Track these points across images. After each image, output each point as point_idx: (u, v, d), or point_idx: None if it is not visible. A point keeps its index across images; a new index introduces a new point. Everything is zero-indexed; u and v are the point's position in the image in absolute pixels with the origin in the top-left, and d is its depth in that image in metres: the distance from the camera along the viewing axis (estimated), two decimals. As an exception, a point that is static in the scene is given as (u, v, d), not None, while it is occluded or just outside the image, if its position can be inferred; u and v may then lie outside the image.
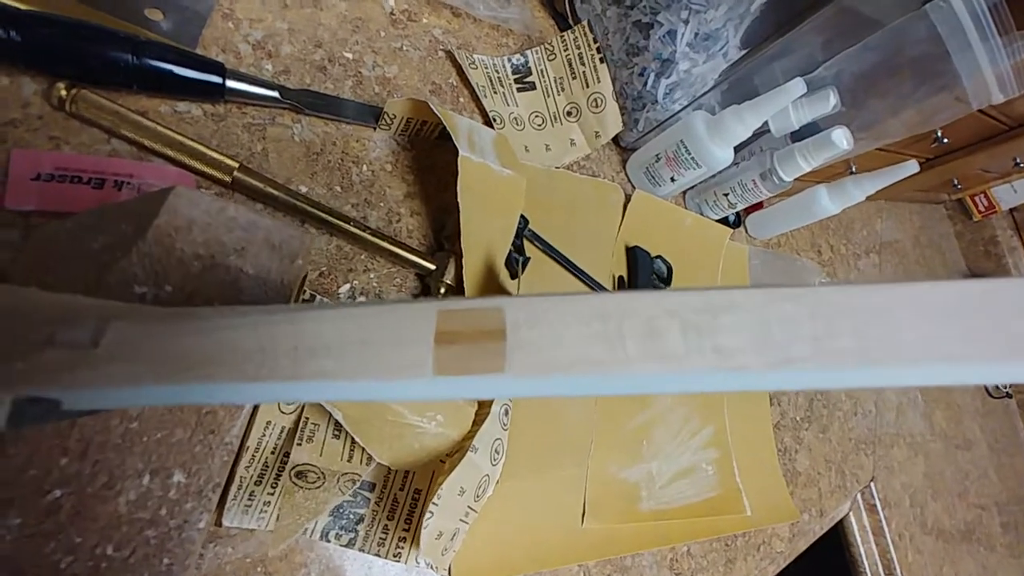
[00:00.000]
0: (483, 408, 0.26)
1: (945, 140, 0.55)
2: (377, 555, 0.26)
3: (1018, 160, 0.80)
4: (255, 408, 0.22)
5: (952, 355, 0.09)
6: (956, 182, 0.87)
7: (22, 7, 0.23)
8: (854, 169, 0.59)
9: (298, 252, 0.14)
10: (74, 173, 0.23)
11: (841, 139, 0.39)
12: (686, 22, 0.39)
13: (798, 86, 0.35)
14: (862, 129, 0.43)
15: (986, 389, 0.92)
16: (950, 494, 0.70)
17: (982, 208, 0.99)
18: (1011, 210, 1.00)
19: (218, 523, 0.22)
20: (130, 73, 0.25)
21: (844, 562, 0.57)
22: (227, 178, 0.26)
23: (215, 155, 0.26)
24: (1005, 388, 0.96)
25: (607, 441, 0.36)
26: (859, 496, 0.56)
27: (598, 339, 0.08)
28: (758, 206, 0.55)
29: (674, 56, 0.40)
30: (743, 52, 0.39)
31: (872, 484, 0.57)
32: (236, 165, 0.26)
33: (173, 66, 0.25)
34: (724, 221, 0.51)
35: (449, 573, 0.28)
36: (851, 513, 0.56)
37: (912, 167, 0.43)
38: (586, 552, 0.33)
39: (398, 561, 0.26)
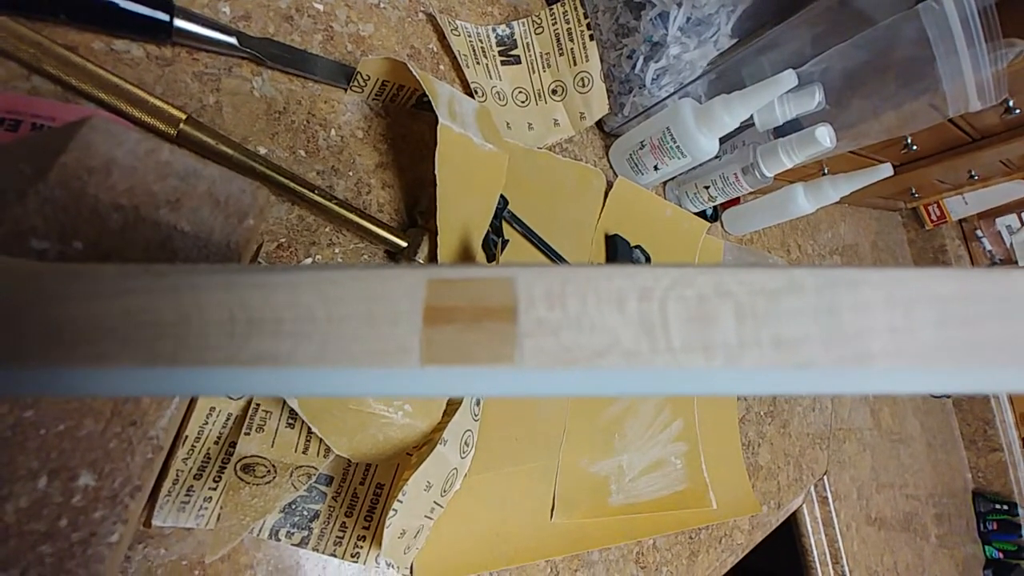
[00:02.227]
0: (454, 399, 0.25)
1: (914, 147, 0.57)
2: (333, 555, 0.24)
3: (973, 173, 0.84)
4: (175, 430, 0.19)
5: None
6: (914, 191, 0.91)
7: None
8: (826, 171, 0.60)
9: (248, 210, 0.12)
10: (-20, 110, 0.19)
11: (825, 137, 0.39)
12: (679, 4, 0.38)
13: (790, 78, 0.34)
14: (843, 129, 0.43)
15: (927, 389, 0.98)
16: (892, 487, 0.74)
17: (934, 217, 1.04)
18: (960, 221, 1.06)
19: (147, 523, 0.19)
20: (58, 2, 0.21)
21: (795, 551, 0.59)
22: (172, 131, 0.23)
23: (158, 103, 0.23)
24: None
25: (579, 434, 0.35)
26: (812, 489, 0.58)
27: (635, 323, 0.06)
28: (735, 201, 0.55)
29: (665, 40, 0.39)
30: (734, 41, 0.38)
31: (825, 477, 0.59)
32: (183, 116, 0.23)
33: (110, -5, 0.22)
34: (702, 214, 0.51)
35: (411, 572, 0.26)
36: (804, 505, 0.57)
37: (886, 170, 0.44)
38: (554, 547, 0.32)
39: (356, 561, 0.24)
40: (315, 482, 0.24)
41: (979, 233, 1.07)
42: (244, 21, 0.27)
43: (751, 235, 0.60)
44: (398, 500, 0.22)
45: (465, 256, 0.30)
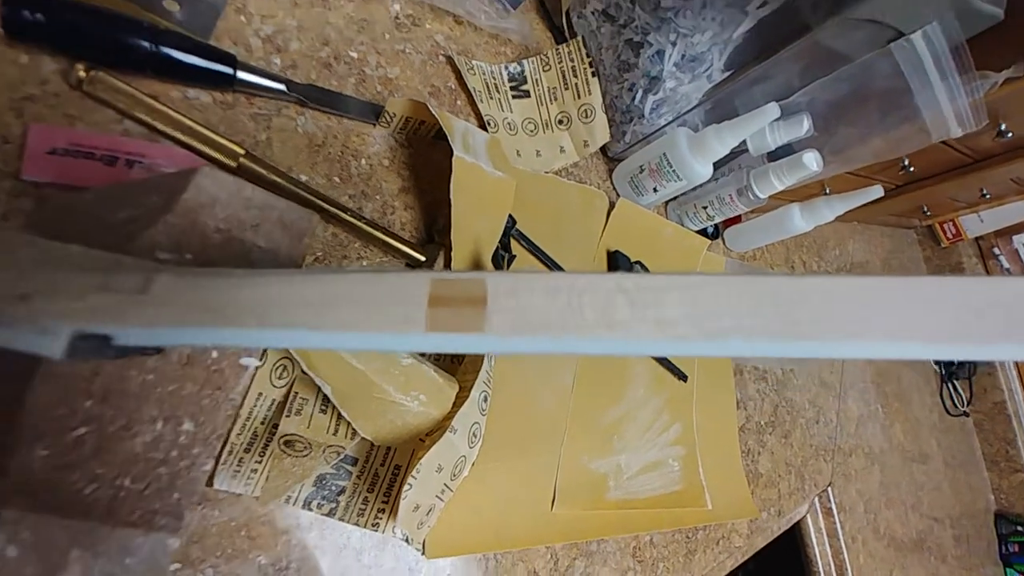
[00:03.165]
0: (463, 391, 0.28)
1: (911, 168, 0.59)
2: (356, 525, 0.27)
3: (985, 192, 0.85)
4: (244, 393, 0.24)
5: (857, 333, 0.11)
6: (926, 209, 0.92)
7: (49, -10, 0.24)
8: (828, 191, 0.62)
9: (305, 232, 0.16)
10: (88, 150, 0.24)
11: (811, 161, 0.42)
12: (674, 44, 0.42)
13: (773, 110, 0.37)
14: (833, 153, 0.46)
15: (944, 407, 0.97)
16: (903, 504, 0.74)
17: (950, 235, 1.04)
18: (976, 239, 1.05)
19: (209, 483, 0.23)
20: (146, 59, 0.26)
21: (800, 561, 0.60)
22: (233, 163, 0.28)
23: (222, 140, 0.28)
24: (962, 407, 1.01)
25: (580, 433, 0.38)
26: (816, 500, 0.59)
27: (563, 308, 0.09)
28: (736, 220, 0.58)
29: (661, 75, 0.43)
30: (726, 74, 0.42)
31: (829, 489, 0.60)
32: (242, 151, 0.28)
33: (188, 55, 0.27)
34: (703, 232, 0.54)
35: (423, 547, 0.30)
36: (808, 515, 0.58)
37: (876, 191, 0.46)
38: (554, 535, 0.35)
39: (376, 531, 0.27)
40: (342, 461, 0.28)
41: (996, 251, 1.06)
42: (291, 69, 0.32)
43: (754, 252, 0.62)
44: (412, 476, 0.25)
45: (476, 268, 0.34)
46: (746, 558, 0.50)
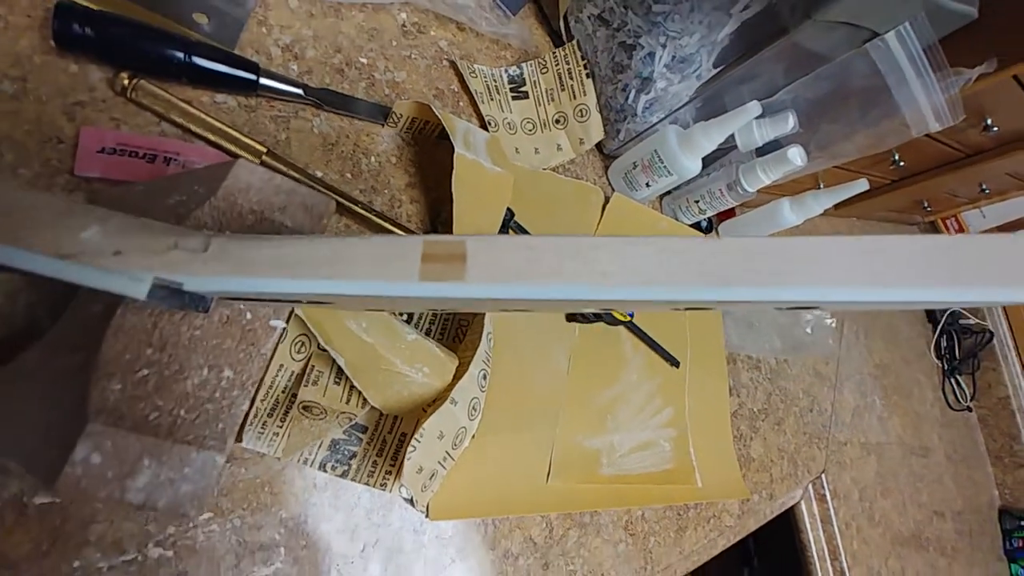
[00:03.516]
0: (462, 366, 0.31)
1: (902, 163, 0.60)
2: (367, 485, 0.30)
3: (984, 187, 0.86)
4: (273, 349, 0.27)
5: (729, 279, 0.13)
6: (926, 205, 0.93)
7: (94, 7, 0.28)
8: (822, 185, 0.64)
9: (324, 214, 0.19)
10: (132, 148, 0.28)
11: (796, 156, 0.44)
12: (664, 46, 0.44)
13: (755, 108, 0.39)
14: (818, 148, 0.48)
15: (946, 402, 0.97)
16: (901, 495, 0.75)
17: (953, 231, 1.05)
18: (980, 233, 1.06)
19: (239, 439, 0.26)
20: (180, 68, 0.29)
21: (796, 548, 0.62)
22: (256, 160, 0.31)
23: (247, 140, 0.31)
24: (965, 402, 1.01)
25: (574, 412, 0.41)
26: (810, 486, 0.61)
27: (524, 261, 0.12)
28: (730, 214, 0.60)
29: (653, 75, 0.45)
30: (714, 73, 0.44)
31: (823, 476, 0.62)
32: (264, 150, 0.31)
33: (216, 64, 0.30)
34: (697, 226, 0.56)
35: (427, 510, 0.32)
36: (802, 501, 0.60)
37: (862, 185, 0.48)
38: (549, 505, 0.37)
39: (384, 490, 0.30)
40: (354, 428, 0.31)
41: (999, 246, 1.06)
42: (307, 75, 0.35)
43: (749, 246, 0.64)
44: (416, 439, 0.28)
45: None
46: (738, 538, 0.52)
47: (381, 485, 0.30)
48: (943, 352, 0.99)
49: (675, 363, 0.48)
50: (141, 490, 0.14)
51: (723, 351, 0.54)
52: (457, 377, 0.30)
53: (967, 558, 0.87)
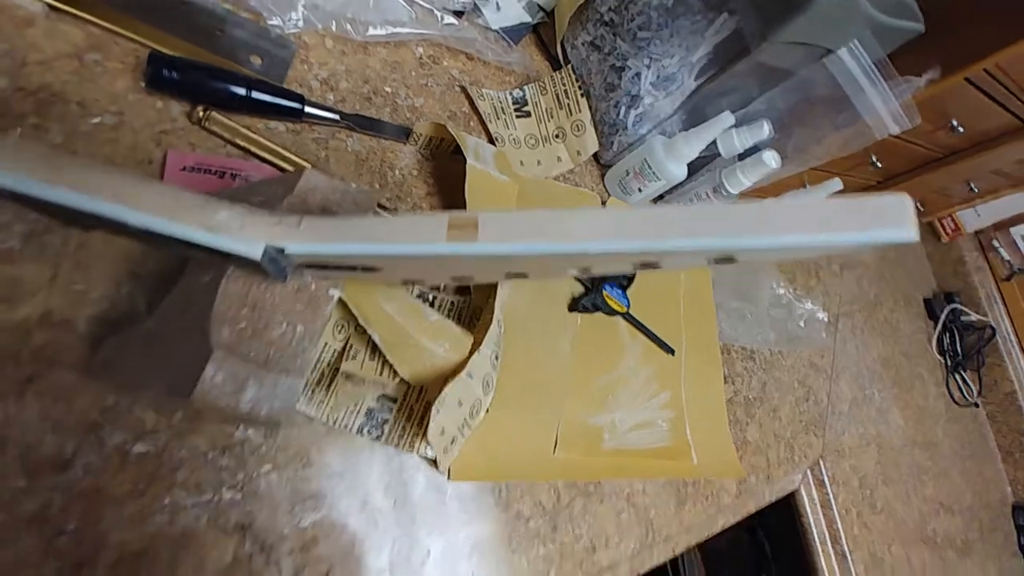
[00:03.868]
0: (476, 344, 0.36)
1: (879, 164, 0.65)
2: (397, 446, 0.35)
3: (973, 186, 0.89)
4: (331, 313, 0.32)
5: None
6: (920, 205, 0.97)
7: (176, 55, 0.34)
8: (807, 186, 0.69)
9: (370, 207, 0.24)
10: (206, 167, 0.34)
11: (770, 159, 0.49)
12: (648, 67, 0.50)
13: (728, 118, 0.45)
14: (794, 152, 0.53)
15: (951, 398, 0.99)
16: (904, 485, 0.77)
17: (949, 231, 1.08)
18: (976, 232, 1.09)
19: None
20: (242, 101, 0.36)
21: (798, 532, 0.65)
22: (302, 175, 0.37)
23: (295, 157, 0.37)
24: (972, 398, 1.02)
25: (578, 393, 0.46)
26: (809, 473, 0.64)
27: (520, 226, 0.17)
28: (721, 217, 0.65)
29: (640, 93, 0.51)
30: (694, 89, 0.50)
31: (821, 462, 0.65)
32: (309, 165, 0.37)
33: (270, 96, 0.37)
34: (689, 228, 0.61)
35: (449, 472, 0.37)
36: (802, 487, 0.63)
37: (836, 184, 0.53)
38: (556, 474, 0.42)
39: (411, 451, 0.35)
40: (385, 398, 0.36)
41: (996, 243, 1.08)
42: (342, 103, 0.42)
43: (741, 246, 0.69)
44: (438, 404, 0.33)
45: (488, 256, 0.43)
46: (739, 519, 0.55)
47: (409, 446, 0.35)
48: (945, 348, 1.01)
49: (670, 351, 0.53)
50: (248, 402, 0.19)
51: (717, 341, 0.58)
52: (471, 353, 0.35)
53: (980, 553, 0.88)
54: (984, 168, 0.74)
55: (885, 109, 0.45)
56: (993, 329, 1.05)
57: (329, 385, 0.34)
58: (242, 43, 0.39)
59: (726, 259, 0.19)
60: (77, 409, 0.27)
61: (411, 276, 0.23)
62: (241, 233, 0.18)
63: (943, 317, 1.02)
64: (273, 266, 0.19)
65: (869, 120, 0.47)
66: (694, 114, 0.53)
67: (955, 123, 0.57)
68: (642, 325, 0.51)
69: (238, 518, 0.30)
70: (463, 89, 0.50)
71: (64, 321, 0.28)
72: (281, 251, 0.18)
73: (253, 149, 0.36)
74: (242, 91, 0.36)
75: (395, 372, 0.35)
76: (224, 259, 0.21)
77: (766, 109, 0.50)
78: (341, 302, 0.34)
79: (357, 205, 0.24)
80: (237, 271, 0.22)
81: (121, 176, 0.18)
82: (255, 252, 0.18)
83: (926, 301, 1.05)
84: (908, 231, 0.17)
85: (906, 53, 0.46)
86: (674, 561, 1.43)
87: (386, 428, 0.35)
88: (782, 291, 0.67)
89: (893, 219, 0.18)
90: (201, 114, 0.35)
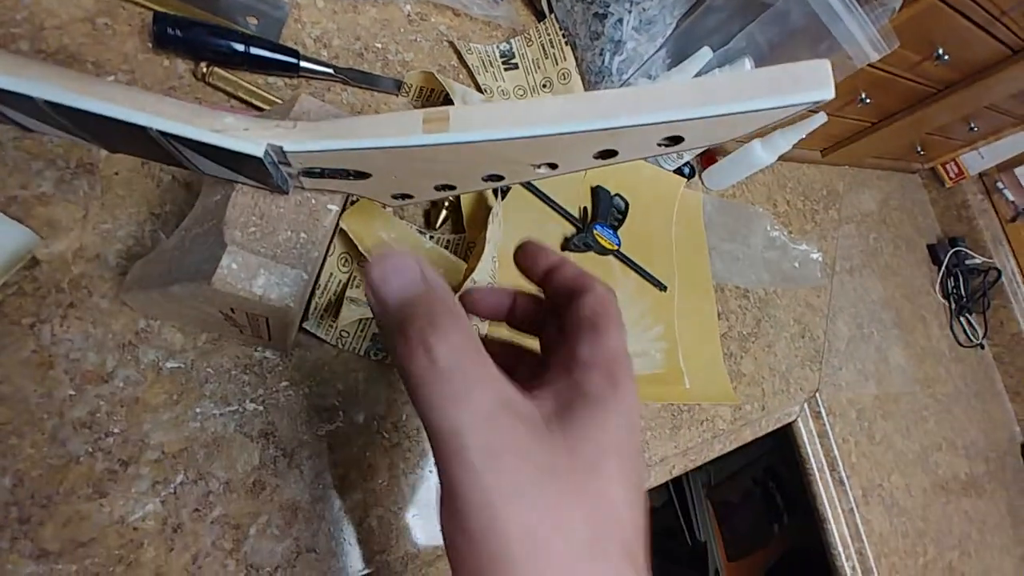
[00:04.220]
0: (468, 270, 0.39)
1: (868, 100, 0.65)
2: (402, 366, 0.38)
3: (973, 125, 0.89)
4: (325, 258, 0.35)
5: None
6: (920, 149, 0.96)
7: (179, 14, 0.37)
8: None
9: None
10: (212, 117, 0.37)
11: (747, 65, 0.50)
12: (630, 11, 0.51)
13: (706, 52, 0.46)
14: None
15: (956, 339, 1.00)
16: (904, 419, 0.79)
17: (952, 175, 1.07)
18: (980, 175, 1.08)
19: (301, 328, 0.35)
20: (242, 57, 0.38)
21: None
22: (301, 123, 0.40)
23: (294, 109, 0.40)
24: (976, 340, 1.03)
25: (572, 325, 0.48)
26: (806, 406, 0.66)
27: (484, 118, 0.20)
28: (712, 161, 0.66)
29: (623, 38, 0.53)
30: (673, 28, 0.51)
31: (817, 395, 0.67)
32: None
33: (268, 52, 0.39)
34: (679, 171, 0.63)
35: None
36: (799, 420, 0.66)
37: (820, 119, 0.54)
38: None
39: (416, 370, 0.39)
40: (390, 325, 0.39)
41: (1000, 185, 1.07)
42: (335, 59, 0.44)
43: (734, 191, 0.70)
44: (438, 323, 0.36)
45: (479, 199, 0.45)
46: (736, 446, 0.58)
47: (413, 364, 0.38)
48: (949, 292, 1.02)
49: (662, 287, 0.55)
50: (260, 287, 0.23)
51: (710, 278, 0.60)
52: (465, 279, 0.38)
53: (987, 489, 0.90)
54: (979, 102, 0.73)
55: (863, 35, 0.46)
56: (999, 271, 1.05)
57: (336, 313, 0.37)
58: (238, 5, 0.41)
59: (675, 139, 0.22)
60: (114, 331, 0.31)
61: (399, 186, 0.25)
62: (245, 135, 0.20)
63: (946, 260, 1.02)
64: (275, 171, 0.22)
65: (849, 48, 0.48)
66: (677, 56, 0.54)
67: (940, 51, 0.57)
68: (633, 262, 0.54)
69: (262, 426, 0.33)
70: (451, 44, 0.52)
71: (96, 256, 0.32)
72: (280, 149, 0.21)
73: (254, 102, 0.39)
74: (241, 47, 0.38)
75: None
76: (233, 173, 0.24)
77: (747, 45, 0.51)
78: (344, 234, 0.37)
79: (348, 125, 0.27)
80: (245, 187, 0.25)
81: (141, 92, 0.20)
82: (258, 150, 0.20)
83: (929, 247, 1.05)
84: (828, 91, 0.19)
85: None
86: (687, 514, 1.47)
87: (391, 351, 0.38)
88: (776, 233, 0.68)
89: (815, 81, 0.20)
90: (205, 70, 0.37)
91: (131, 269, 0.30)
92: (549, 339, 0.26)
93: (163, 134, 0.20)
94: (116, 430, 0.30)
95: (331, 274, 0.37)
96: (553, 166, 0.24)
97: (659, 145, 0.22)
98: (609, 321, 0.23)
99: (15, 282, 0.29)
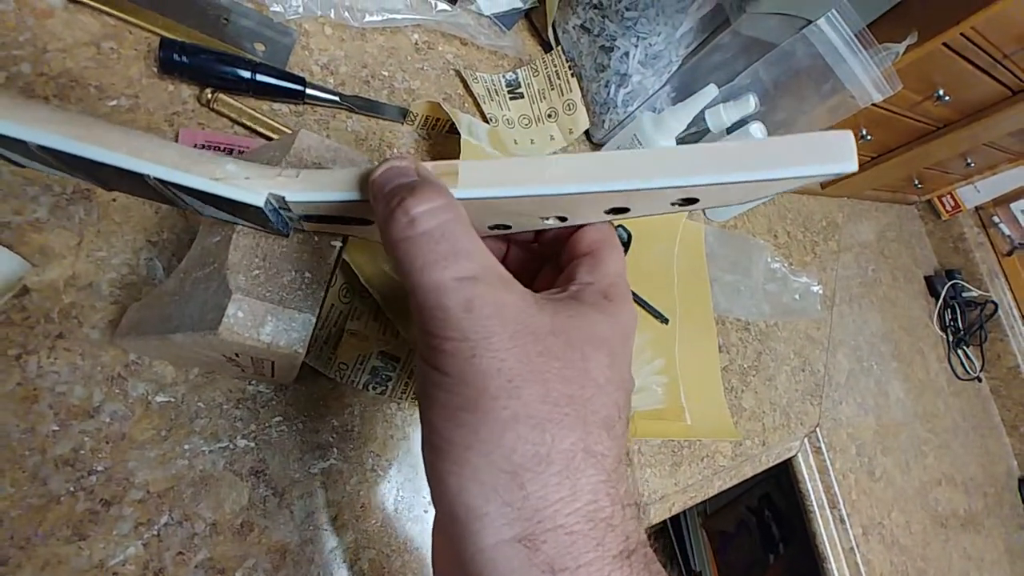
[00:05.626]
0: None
1: (870, 137, 0.66)
2: (400, 399, 0.37)
3: (969, 161, 0.90)
4: (335, 261, 0.34)
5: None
6: (917, 183, 0.97)
7: (186, 41, 0.37)
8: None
9: (361, 165, 0.27)
10: (215, 144, 0.36)
11: (756, 131, 0.51)
12: (636, 46, 0.52)
13: (712, 90, 0.46)
14: (779, 125, 0.54)
15: (954, 372, 0.99)
16: (904, 455, 0.78)
17: (949, 208, 1.08)
18: (976, 208, 1.09)
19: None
20: (248, 84, 0.38)
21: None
22: (305, 151, 0.39)
23: (298, 136, 0.39)
24: (974, 373, 1.03)
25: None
26: (806, 441, 0.66)
27: (493, 174, 0.19)
28: (713, 193, 0.66)
29: (628, 71, 0.53)
30: (679, 64, 0.52)
31: (818, 430, 0.66)
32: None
33: (274, 79, 0.39)
34: (681, 203, 0.63)
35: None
36: (799, 455, 0.65)
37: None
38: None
39: (415, 405, 0.38)
40: (389, 358, 0.38)
41: (996, 219, 1.08)
42: (341, 86, 0.44)
43: (735, 222, 0.70)
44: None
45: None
46: (736, 482, 0.57)
47: (412, 400, 0.37)
48: (947, 324, 1.02)
49: (664, 320, 0.55)
50: (268, 335, 0.22)
51: (711, 311, 0.60)
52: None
53: (985, 525, 0.89)
54: (977, 140, 0.74)
55: (867, 77, 0.47)
56: (995, 304, 1.05)
57: (336, 344, 0.36)
58: (246, 31, 0.41)
59: (689, 200, 0.21)
60: (103, 363, 0.30)
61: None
62: (246, 183, 0.20)
63: (944, 293, 1.02)
64: (275, 216, 0.21)
65: (852, 89, 0.48)
66: (682, 92, 0.55)
67: (941, 92, 0.58)
68: (635, 294, 0.53)
69: (252, 464, 0.32)
70: (458, 73, 0.52)
71: (89, 284, 0.31)
72: (282, 199, 0.20)
73: (258, 128, 0.38)
74: (247, 74, 0.38)
75: (396, 331, 0.37)
76: (232, 217, 0.23)
77: (751, 83, 0.52)
78: (346, 265, 0.36)
79: (351, 163, 0.26)
80: (245, 228, 0.24)
81: (139, 136, 0.20)
82: (259, 200, 0.20)
83: (927, 278, 1.05)
84: (851, 164, 0.19)
85: (884, 21, 0.48)
86: (682, 544, 1.44)
87: (390, 384, 0.37)
88: (776, 265, 0.68)
89: (839, 154, 0.20)
90: (210, 96, 0.37)
91: (126, 312, 0.29)
92: (545, 284, 0.25)
93: (161, 181, 0.20)
94: (100, 468, 0.29)
95: (332, 305, 0.36)
96: (562, 219, 0.24)
97: (673, 204, 0.22)
98: (609, 248, 0.23)
99: (3, 311, 0.28)
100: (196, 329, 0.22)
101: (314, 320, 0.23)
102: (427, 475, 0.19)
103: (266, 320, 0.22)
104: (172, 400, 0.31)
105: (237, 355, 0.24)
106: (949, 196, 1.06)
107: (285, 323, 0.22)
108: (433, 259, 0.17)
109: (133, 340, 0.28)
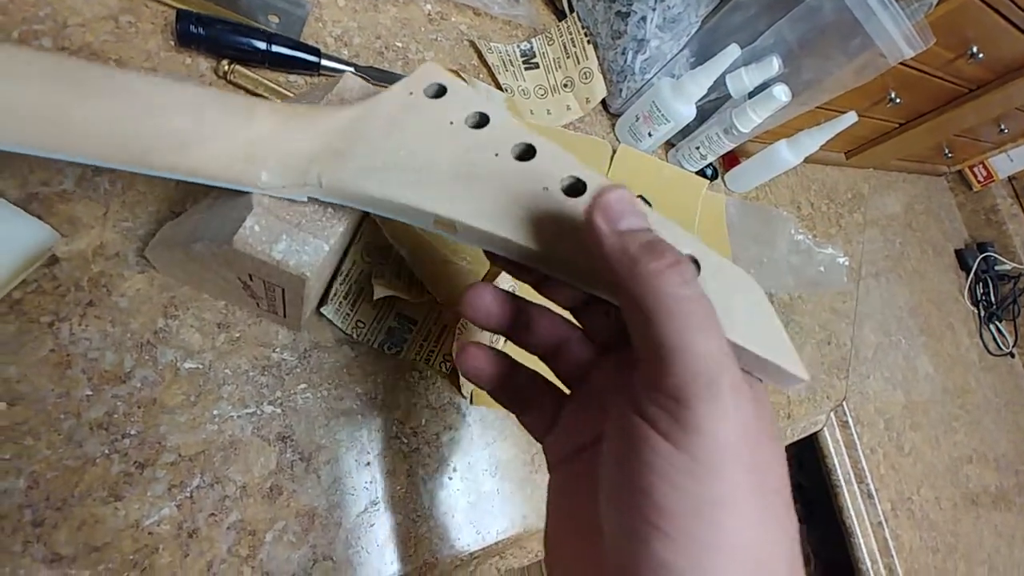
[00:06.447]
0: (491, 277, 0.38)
1: (898, 100, 0.63)
2: (415, 359, 0.37)
3: (1003, 127, 0.86)
4: (350, 245, 0.34)
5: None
6: (948, 151, 0.94)
7: (202, 12, 0.37)
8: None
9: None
10: (233, 115, 0.36)
11: (780, 93, 0.49)
12: (654, 9, 0.50)
13: (734, 50, 0.45)
14: (806, 86, 0.52)
15: (985, 348, 0.96)
16: (933, 430, 0.76)
17: (981, 178, 1.04)
18: (1010, 178, 1.04)
19: (319, 308, 0.34)
20: (264, 55, 0.38)
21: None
22: (322, 121, 0.39)
23: (314, 107, 0.39)
24: (1007, 348, 0.99)
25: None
26: (832, 415, 0.64)
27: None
28: (734, 162, 0.65)
29: (646, 36, 0.51)
30: (698, 25, 0.50)
31: (844, 403, 0.65)
32: (328, 113, 0.39)
33: (290, 50, 0.39)
34: (701, 172, 0.61)
35: (471, 397, 0.39)
36: (825, 428, 0.63)
37: (851, 118, 0.52)
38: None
39: (428, 364, 0.38)
40: (405, 320, 0.38)
41: (1031, 189, 1.04)
42: (356, 57, 0.44)
43: (757, 192, 0.68)
44: (463, 323, 0.35)
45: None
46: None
47: (426, 360, 0.37)
48: (979, 298, 0.98)
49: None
50: (280, 252, 0.22)
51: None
52: (492, 274, 0.37)
53: (1016, 503, 0.86)
54: (1011, 103, 0.71)
55: (897, 31, 0.45)
56: (1030, 277, 1.02)
57: (356, 301, 0.36)
58: (260, 3, 0.41)
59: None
60: (132, 330, 0.30)
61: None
62: (281, 192, 0.20)
63: (975, 266, 0.99)
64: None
65: (881, 44, 0.46)
66: (701, 56, 0.53)
67: (974, 49, 0.55)
68: (656, 266, 0.52)
69: (279, 429, 0.33)
70: (472, 43, 0.51)
71: (116, 254, 0.31)
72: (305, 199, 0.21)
73: (274, 99, 0.38)
74: (263, 45, 0.38)
75: (420, 287, 0.37)
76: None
77: (774, 43, 0.50)
78: (373, 224, 0.36)
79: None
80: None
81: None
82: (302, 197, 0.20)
83: (957, 251, 1.02)
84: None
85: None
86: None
87: (405, 346, 0.37)
88: (800, 237, 0.66)
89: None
90: (227, 68, 0.37)
91: (160, 230, 0.30)
92: (578, 360, 0.25)
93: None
94: (133, 431, 0.29)
95: (354, 262, 0.36)
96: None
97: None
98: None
99: (34, 280, 0.29)
100: (215, 238, 0.22)
101: (327, 249, 0.23)
102: (615, 530, 0.17)
103: (280, 238, 0.22)
104: (200, 367, 0.32)
105: (251, 277, 0.25)
106: (981, 166, 1.02)
107: (298, 244, 0.23)
108: (705, 323, 0.16)
109: (160, 252, 0.29)
